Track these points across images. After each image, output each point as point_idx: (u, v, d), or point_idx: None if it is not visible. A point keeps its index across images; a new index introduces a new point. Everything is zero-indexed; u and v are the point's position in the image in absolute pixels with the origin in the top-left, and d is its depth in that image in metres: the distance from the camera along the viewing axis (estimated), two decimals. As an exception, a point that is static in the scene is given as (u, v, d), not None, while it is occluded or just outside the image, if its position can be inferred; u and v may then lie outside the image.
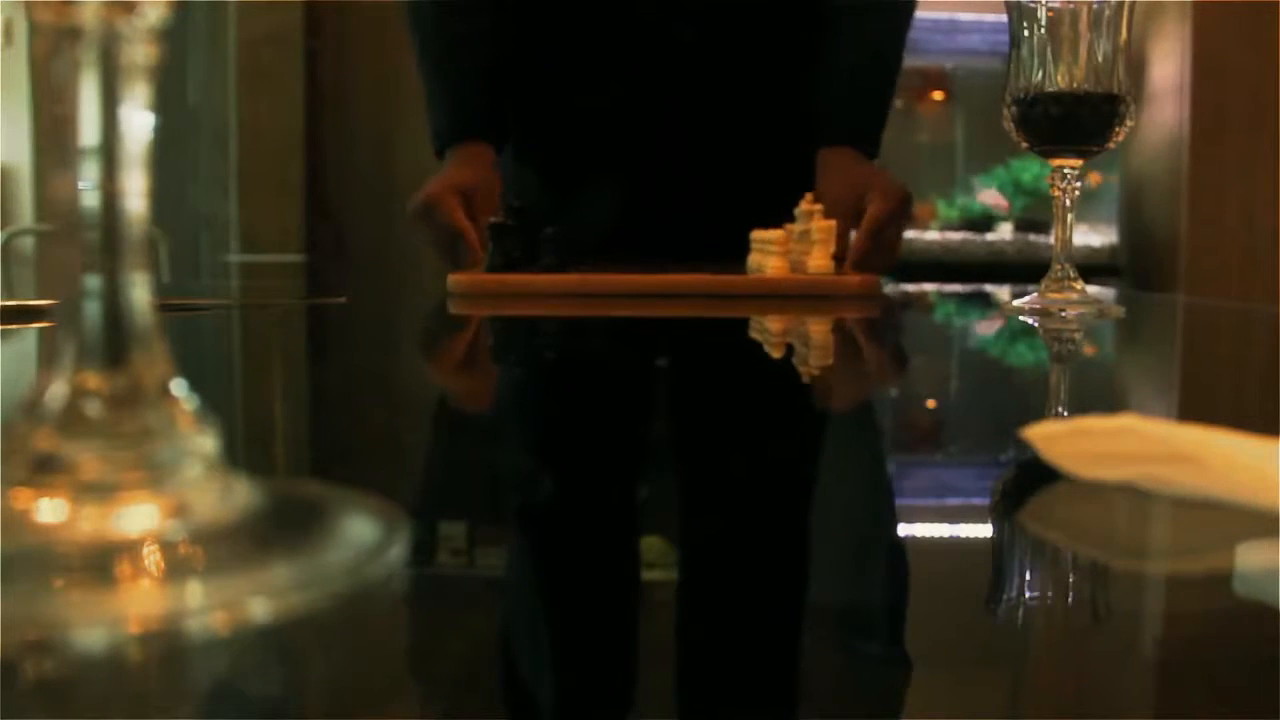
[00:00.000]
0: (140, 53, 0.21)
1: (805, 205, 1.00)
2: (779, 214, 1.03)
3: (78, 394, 0.21)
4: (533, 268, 0.98)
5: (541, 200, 1.28)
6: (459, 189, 1.18)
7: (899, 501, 0.33)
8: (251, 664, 0.18)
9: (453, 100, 1.30)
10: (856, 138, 1.27)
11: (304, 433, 0.43)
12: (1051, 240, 0.85)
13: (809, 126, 1.29)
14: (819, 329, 0.84)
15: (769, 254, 0.99)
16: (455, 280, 0.97)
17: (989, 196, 3.06)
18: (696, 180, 1.32)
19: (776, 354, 0.69)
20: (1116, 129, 0.82)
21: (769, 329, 0.80)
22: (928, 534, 0.29)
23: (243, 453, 0.34)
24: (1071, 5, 0.81)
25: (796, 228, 0.99)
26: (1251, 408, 0.49)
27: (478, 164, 1.25)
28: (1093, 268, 2.65)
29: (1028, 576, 0.25)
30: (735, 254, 1.06)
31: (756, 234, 1.03)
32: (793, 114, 1.31)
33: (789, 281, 0.97)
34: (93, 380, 0.21)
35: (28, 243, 2.68)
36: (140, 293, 0.21)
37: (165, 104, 0.21)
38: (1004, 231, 3.02)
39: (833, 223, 0.96)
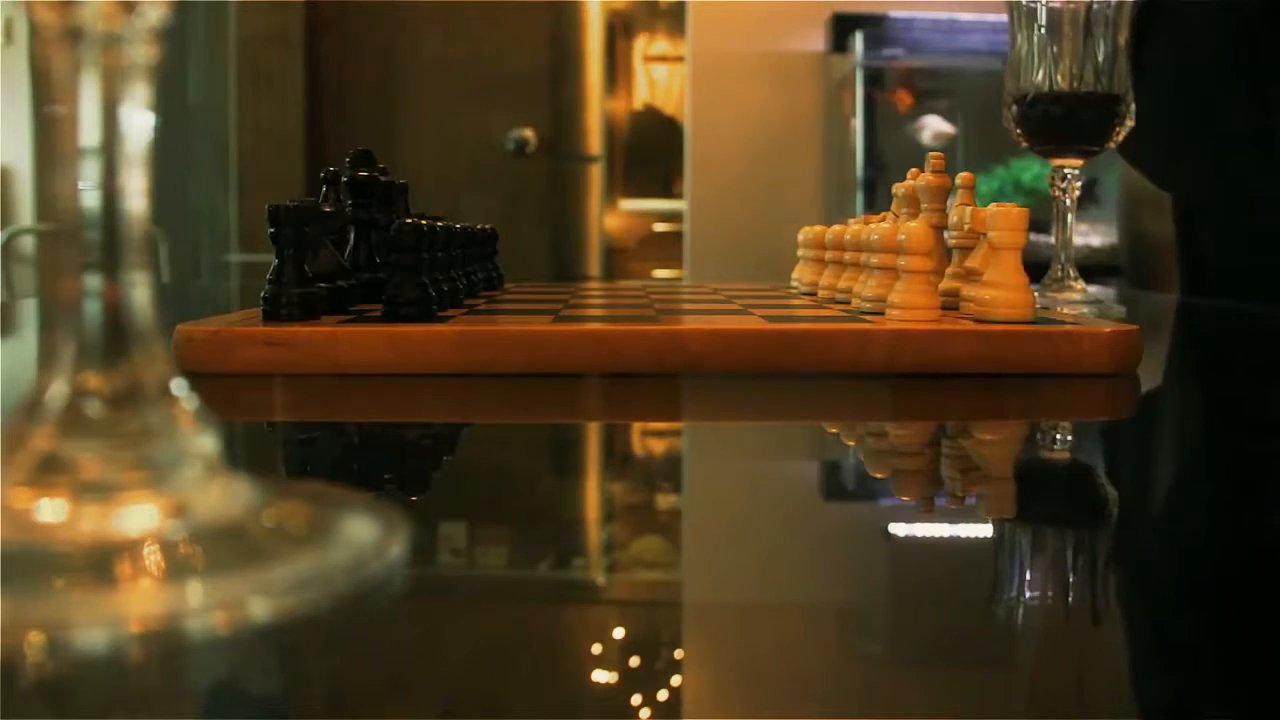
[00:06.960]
0: (140, 53, 0.21)
1: (930, 175, 0.56)
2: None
3: (78, 394, 0.21)
4: (361, 316, 0.52)
5: None
6: None
7: (895, 501, 0.33)
8: (251, 664, 0.18)
9: None
10: None
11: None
12: (1051, 240, 0.85)
13: None
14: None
15: (873, 273, 0.55)
16: (185, 334, 0.48)
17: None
18: None
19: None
20: (1116, 129, 0.82)
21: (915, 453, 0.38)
22: (926, 534, 0.29)
23: (243, 455, 0.34)
24: (1071, 5, 0.81)
25: (905, 218, 0.55)
26: (1252, 408, 0.49)
27: None
28: (1093, 267, 2.65)
29: (1027, 576, 0.25)
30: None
31: (811, 231, 0.72)
32: None
33: (962, 338, 0.49)
34: (93, 380, 0.21)
35: (28, 243, 2.69)
36: (140, 293, 0.21)
37: (165, 104, 0.21)
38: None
39: (1024, 210, 0.51)
